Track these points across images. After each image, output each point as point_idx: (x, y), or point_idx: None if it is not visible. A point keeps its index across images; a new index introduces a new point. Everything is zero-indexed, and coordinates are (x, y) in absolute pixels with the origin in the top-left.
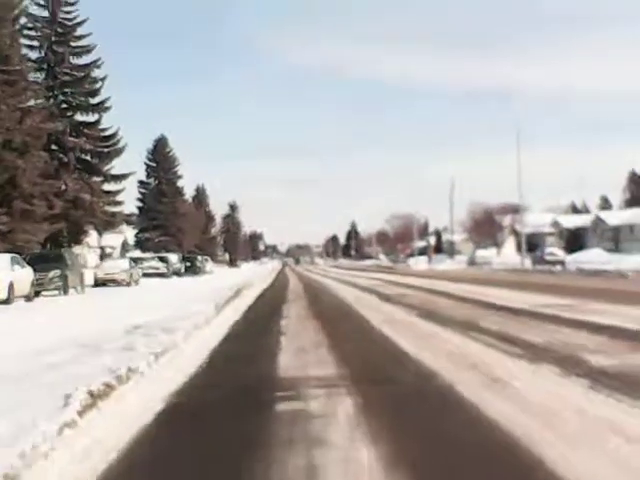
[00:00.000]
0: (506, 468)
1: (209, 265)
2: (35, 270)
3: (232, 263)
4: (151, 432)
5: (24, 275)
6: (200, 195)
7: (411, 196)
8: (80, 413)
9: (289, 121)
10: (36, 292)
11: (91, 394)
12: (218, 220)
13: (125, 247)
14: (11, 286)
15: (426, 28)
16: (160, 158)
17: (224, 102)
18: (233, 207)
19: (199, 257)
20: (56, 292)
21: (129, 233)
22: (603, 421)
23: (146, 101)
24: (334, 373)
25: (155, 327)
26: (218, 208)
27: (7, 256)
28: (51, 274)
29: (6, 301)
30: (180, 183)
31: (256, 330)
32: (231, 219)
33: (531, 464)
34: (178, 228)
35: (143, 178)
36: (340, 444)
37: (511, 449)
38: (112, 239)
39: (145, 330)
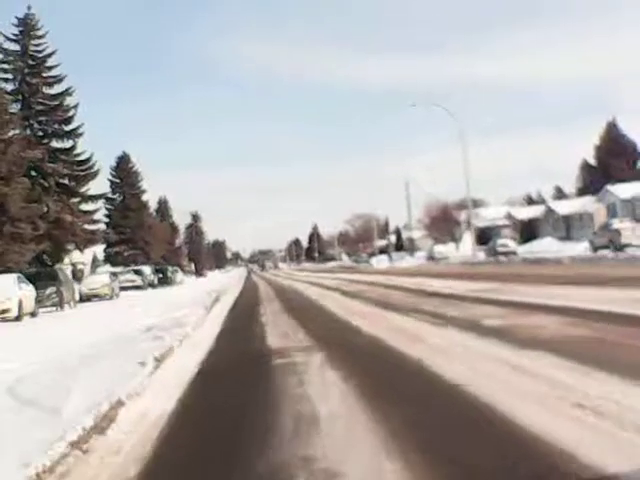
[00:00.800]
0: (413, 374)
1: (179, 275)
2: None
3: (198, 272)
4: (192, 381)
5: (28, 293)
6: (163, 207)
7: (371, 196)
8: (153, 369)
9: (246, 130)
10: None
11: (156, 359)
12: (182, 230)
13: (95, 262)
14: (20, 304)
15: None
16: (123, 174)
17: (182, 116)
18: (195, 217)
19: (170, 268)
20: (52, 308)
21: (98, 248)
22: (474, 350)
23: (107, 118)
24: (307, 343)
25: (165, 326)
26: (181, 219)
27: (13, 276)
28: (48, 291)
29: (17, 318)
30: (144, 197)
31: (243, 322)
32: (194, 228)
33: (426, 371)
34: (145, 241)
35: (109, 194)
36: (315, 374)
37: (417, 366)
38: (81, 255)
39: (158, 328)
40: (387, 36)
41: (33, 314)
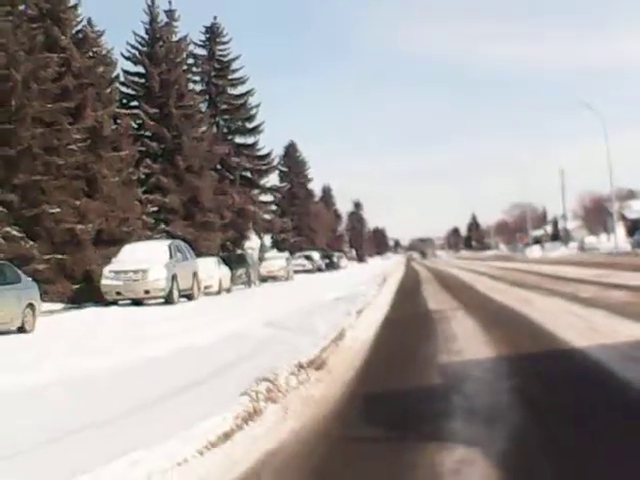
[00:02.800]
0: (516, 319)
1: (344, 261)
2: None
3: (360, 258)
4: (383, 322)
5: (225, 273)
6: (327, 195)
7: (530, 186)
8: (357, 315)
9: (406, 114)
10: None
11: (357, 311)
12: (344, 217)
13: (263, 248)
14: (220, 281)
15: None
16: (291, 163)
17: (333, 97)
18: (357, 204)
19: (335, 254)
20: (242, 286)
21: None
22: (561, 308)
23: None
24: (455, 306)
25: (350, 297)
26: (343, 206)
27: (214, 259)
28: (239, 272)
29: (217, 292)
30: (310, 185)
31: (409, 295)
32: (356, 216)
33: (524, 318)
34: (310, 228)
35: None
36: (458, 321)
37: (521, 315)
38: (251, 242)
39: (346, 298)
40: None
41: (228, 290)
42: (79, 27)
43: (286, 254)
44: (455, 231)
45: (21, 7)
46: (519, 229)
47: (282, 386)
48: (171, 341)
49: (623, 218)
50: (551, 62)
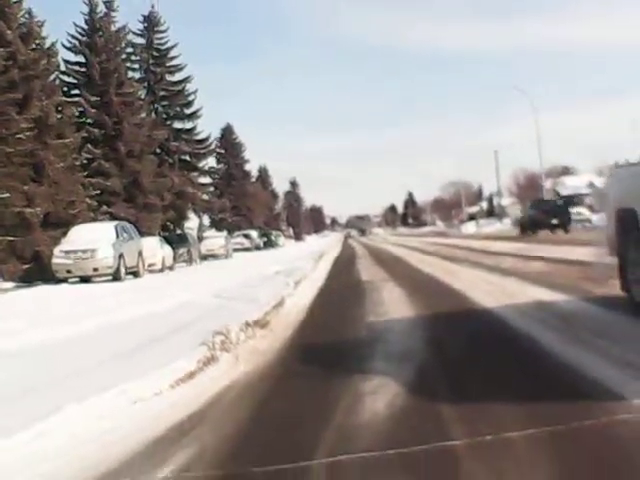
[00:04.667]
0: (439, 286)
1: (282, 239)
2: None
3: (297, 237)
4: (319, 292)
5: (168, 252)
6: (263, 175)
7: (466, 164)
8: (295, 286)
9: (340, 94)
10: None
11: (295, 282)
12: (281, 196)
13: (201, 228)
14: (163, 259)
15: None
16: (228, 145)
17: (273, 79)
18: (293, 183)
19: (273, 232)
20: (183, 264)
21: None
22: (480, 277)
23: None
24: (386, 277)
25: (288, 271)
26: (280, 185)
27: (157, 238)
28: (181, 250)
29: (160, 270)
30: (247, 167)
31: (344, 268)
32: (292, 195)
33: (446, 286)
34: (248, 208)
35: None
36: (387, 289)
37: (443, 284)
38: (190, 222)
39: (284, 272)
40: None
41: (171, 268)
42: (23, 21)
43: (224, 233)
44: (392, 208)
45: None
46: (455, 206)
47: (233, 339)
48: (130, 309)
49: (557, 194)
50: (487, 42)
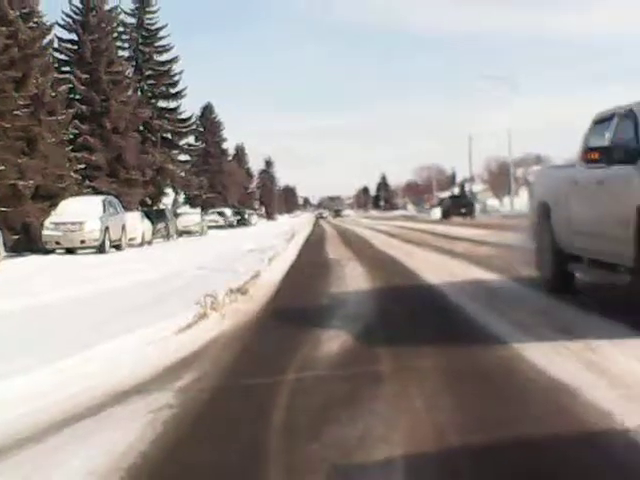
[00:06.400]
0: (395, 265)
1: (254, 218)
2: None
3: (269, 216)
4: (290, 267)
5: (147, 227)
6: (240, 153)
7: (442, 148)
8: (269, 262)
9: (318, 72)
10: None
11: (269, 259)
12: (255, 176)
13: (175, 204)
14: (143, 234)
15: None
16: (207, 123)
17: (250, 55)
18: (268, 163)
19: (247, 211)
20: (161, 239)
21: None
22: (432, 258)
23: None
24: (351, 256)
25: (262, 248)
26: (255, 164)
27: (138, 213)
28: (159, 226)
29: (140, 245)
30: (224, 145)
31: (313, 248)
32: (267, 174)
33: (402, 265)
34: (223, 185)
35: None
36: (351, 266)
37: (400, 263)
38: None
39: (258, 250)
40: None
41: (149, 243)
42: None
43: (198, 210)
44: (365, 190)
45: None
46: (428, 190)
47: (220, 301)
48: (124, 277)
49: (528, 183)
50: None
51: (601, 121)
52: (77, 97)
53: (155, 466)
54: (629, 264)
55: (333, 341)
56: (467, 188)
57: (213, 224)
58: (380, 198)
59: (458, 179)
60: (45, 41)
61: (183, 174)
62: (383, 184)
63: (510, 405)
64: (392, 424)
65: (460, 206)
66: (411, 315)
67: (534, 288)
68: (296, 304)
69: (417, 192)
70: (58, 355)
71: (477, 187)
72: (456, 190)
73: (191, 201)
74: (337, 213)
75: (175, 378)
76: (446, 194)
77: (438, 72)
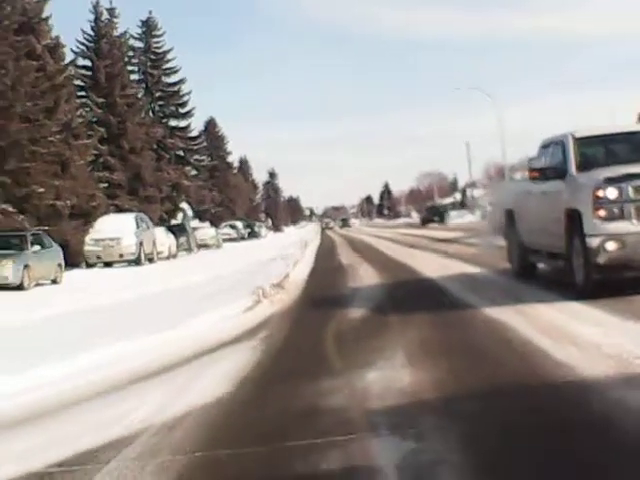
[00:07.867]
0: (397, 264)
1: (264, 230)
2: None
3: (276, 227)
4: (311, 270)
5: (172, 241)
6: (244, 166)
7: (443, 155)
8: (293, 267)
9: (316, 83)
10: None
11: (293, 264)
12: (260, 187)
13: (185, 218)
14: (169, 248)
15: None
16: (211, 138)
17: (247, 69)
18: (272, 174)
19: (256, 223)
20: (184, 252)
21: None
22: (427, 258)
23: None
24: (361, 261)
25: (282, 257)
26: (259, 175)
27: (163, 229)
28: (181, 240)
29: (167, 258)
30: (229, 158)
31: (327, 255)
32: (271, 186)
33: (401, 264)
34: (230, 199)
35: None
36: (362, 268)
37: (401, 263)
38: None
39: (279, 258)
40: None
41: (174, 256)
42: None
43: (207, 224)
44: (368, 199)
45: (6, 22)
46: (430, 197)
47: (267, 292)
48: (180, 279)
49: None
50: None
51: (545, 146)
52: (95, 120)
53: (263, 366)
54: (563, 252)
55: (356, 312)
56: (468, 194)
57: (226, 237)
58: (384, 206)
59: (460, 185)
60: (73, 72)
61: (195, 189)
62: (386, 192)
63: (468, 331)
64: (398, 341)
65: (434, 215)
66: (411, 296)
67: (506, 276)
68: (323, 293)
69: (420, 199)
70: (177, 322)
71: (478, 192)
72: (458, 196)
73: (200, 215)
74: (344, 223)
75: (255, 335)
76: (448, 200)
77: (437, 77)
